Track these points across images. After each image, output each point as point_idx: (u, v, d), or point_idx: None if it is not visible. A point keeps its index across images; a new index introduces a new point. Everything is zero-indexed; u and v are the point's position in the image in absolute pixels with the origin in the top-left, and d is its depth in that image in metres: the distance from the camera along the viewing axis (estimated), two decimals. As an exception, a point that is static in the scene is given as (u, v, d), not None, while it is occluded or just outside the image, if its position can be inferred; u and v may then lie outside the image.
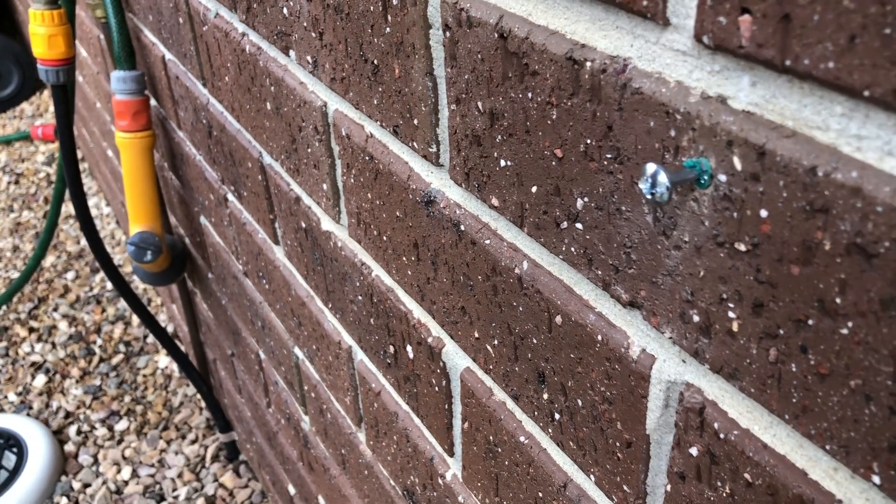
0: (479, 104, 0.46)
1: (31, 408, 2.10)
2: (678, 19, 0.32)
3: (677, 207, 0.35)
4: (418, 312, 0.64)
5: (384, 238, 0.65)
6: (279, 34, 0.72)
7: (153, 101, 1.34)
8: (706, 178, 0.33)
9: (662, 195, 0.32)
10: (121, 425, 2.03)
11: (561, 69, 0.39)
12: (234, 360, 1.45)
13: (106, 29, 1.24)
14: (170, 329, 2.27)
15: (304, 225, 0.83)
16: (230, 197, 1.08)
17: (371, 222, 0.67)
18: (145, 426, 2.02)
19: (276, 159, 0.84)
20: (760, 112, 0.30)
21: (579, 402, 0.47)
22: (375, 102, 0.58)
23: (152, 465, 1.91)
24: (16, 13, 3.83)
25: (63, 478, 1.90)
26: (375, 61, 0.56)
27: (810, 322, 0.30)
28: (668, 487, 0.42)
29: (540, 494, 0.54)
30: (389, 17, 0.52)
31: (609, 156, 0.38)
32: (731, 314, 0.34)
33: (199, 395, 2.01)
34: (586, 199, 0.41)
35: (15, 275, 2.64)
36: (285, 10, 0.68)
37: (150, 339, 2.29)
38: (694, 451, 0.39)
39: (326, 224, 0.77)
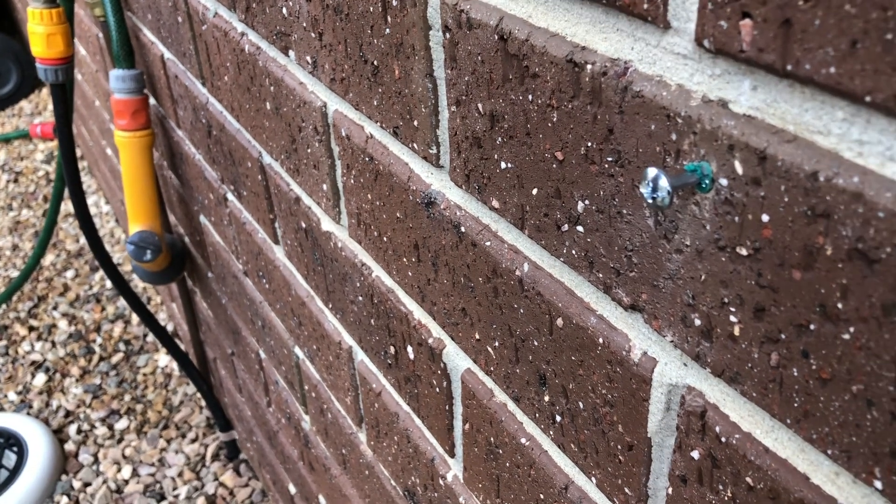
0: (480, 106, 0.46)
1: (31, 407, 2.10)
2: (679, 23, 0.32)
3: (678, 211, 0.35)
4: (419, 313, 0.64)
5: (384, 239, 0.65)
6: (278, 34, 0.71)
7: (152, 100, 1.34)
8: (707, 182, 0.33)
9: (663, 199, 0.32)
10: (121, 424, 2.03)
11: (561, 71, 0.39)
12: (235, 359, 1.45)
13: (105, 27, 1.24)
14: (170, 328, 2.27)
15: (304, 225, 0.83)
16: (230, 196, 1.08)
17: (371, 223, 0.67)
18: (145, 425, 2.02)
19: (276, 159, 0.84)
20: (761, 116, 0.30)
21: (580, 405, 0.47)
22: (375, 103, 0.58)
23: (152, 464, 1.91)
24: (14, 11, 3.82)
25: (63, 477, 1.90)
26: (375, 62, 0.56)
27: (812, 327, 0.30)
28: (670, 490, 0.42)
29: (541, 496, 0.54)
30: (389, 18, 0.52)
31: (610, 159, 0.38)
32: (732, 318, 0.34)
33: (199, 394, 2.01)
34: (587, 202, 0.40)
35: (14, 273, 2.63)
36: (284, 10, 0.68)
37: (150, 337, 2.29)
38: (695, 454, 0.39)
39: (326, 224, 0.77)
